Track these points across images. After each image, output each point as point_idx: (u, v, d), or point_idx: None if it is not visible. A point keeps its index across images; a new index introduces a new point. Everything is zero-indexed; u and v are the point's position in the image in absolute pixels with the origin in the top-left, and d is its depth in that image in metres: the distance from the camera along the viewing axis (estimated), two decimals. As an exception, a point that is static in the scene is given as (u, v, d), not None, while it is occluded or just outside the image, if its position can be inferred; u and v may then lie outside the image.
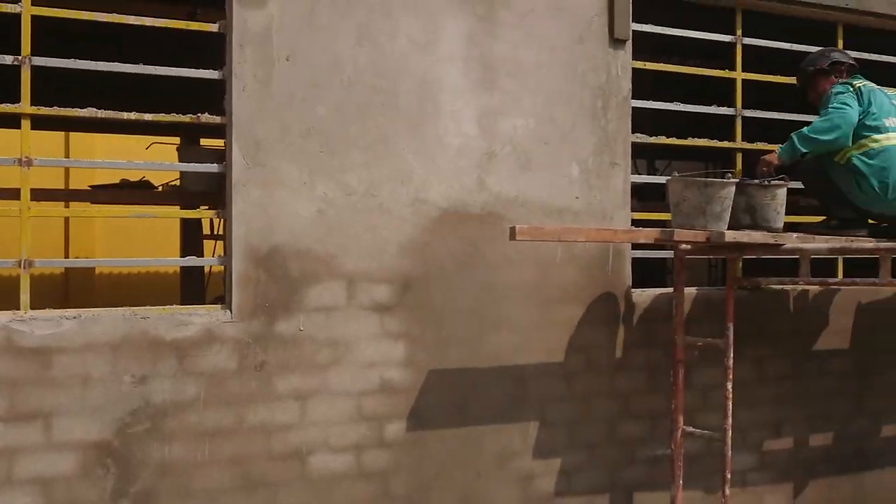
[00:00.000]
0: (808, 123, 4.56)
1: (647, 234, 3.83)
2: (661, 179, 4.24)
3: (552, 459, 4.31)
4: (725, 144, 4.95)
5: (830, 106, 4.26)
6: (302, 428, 3.77)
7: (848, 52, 4.84)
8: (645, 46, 4.86)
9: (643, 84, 4.73)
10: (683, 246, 4.16)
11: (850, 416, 5.10)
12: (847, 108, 4.18)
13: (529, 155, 4.26)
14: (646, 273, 5.48)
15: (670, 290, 4.44)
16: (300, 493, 3.76)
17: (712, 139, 5.02)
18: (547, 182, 4.29)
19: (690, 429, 4.31)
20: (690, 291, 4.69)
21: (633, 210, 4.74)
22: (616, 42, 4.44)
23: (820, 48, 4.83)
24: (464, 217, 4.12)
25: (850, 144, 4.27)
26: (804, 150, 4.26)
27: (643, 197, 6.40)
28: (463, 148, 4.12)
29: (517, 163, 4.23)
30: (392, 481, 3.95)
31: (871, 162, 4.22)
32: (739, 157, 5.03)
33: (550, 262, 4.30)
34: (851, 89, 4.35)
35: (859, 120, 4.26)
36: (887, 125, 4.26)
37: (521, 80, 4.25)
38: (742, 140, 4.94)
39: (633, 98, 4.59)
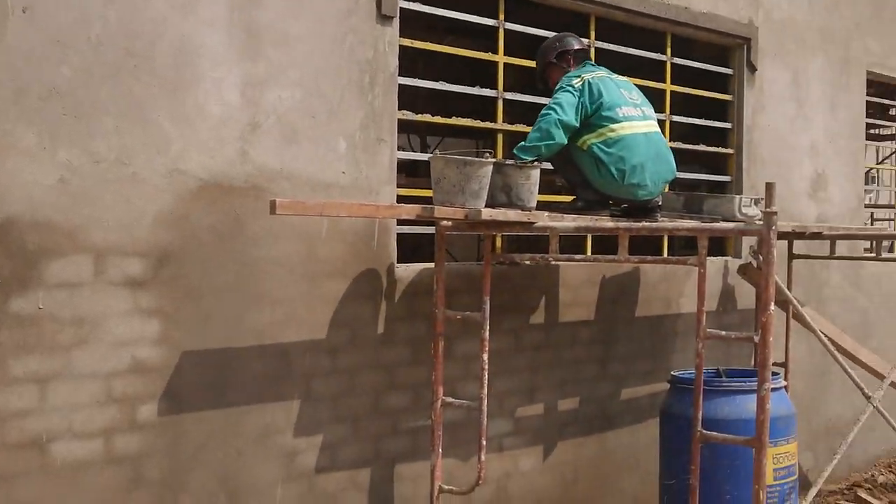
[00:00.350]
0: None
1: (409, 210, 3.90)
2: (427, 156, 4.32)
3: (316, 435, 4.31)
4: (487, 125, 5.14)
5: (544, 109, 4.50)
6: (42, 414, 3.48)
7: (582, 39, 5.11)
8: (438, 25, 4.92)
9: (434, 63, 4.82)
10: (444, 222, 4.28)
11: (595, 381, 5.52)
12: (554, 111, 4.41)
13: (295, 127, 4.18)
14: (422, 246, 5.56)
15: (433, 265, 4.55)
16: (40, 484, 3.48)
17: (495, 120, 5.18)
18: (313, 156, 4.24)
19: (450, 399, 4.46)
20: (452, 266, 4.85)
21: (402, 186, 4.82)
22: (384, 18, 4.45)
23: (554, 34, 5.08)
24: (226, 189, 3.97)
25: (573, 138, 4.52)
26: (532, 159, 4.46)
27: (416, 173, 6.53)
28: (225, 117, 3.96)
29: (282, 135, 4.14)
30: (145, 465, 3.76)
31: (609, 150, 4.53)
32: (501, 137, 5.24)
33: (316, 236, 4.26)
34: (577, 82, 4.56)
35: (594, 111, 4.52)
36: (622, 115, 4.57)
37: (287, 51, 4.15)
38: (504, 122, 5.17)
39: (405, 76, 4.65)
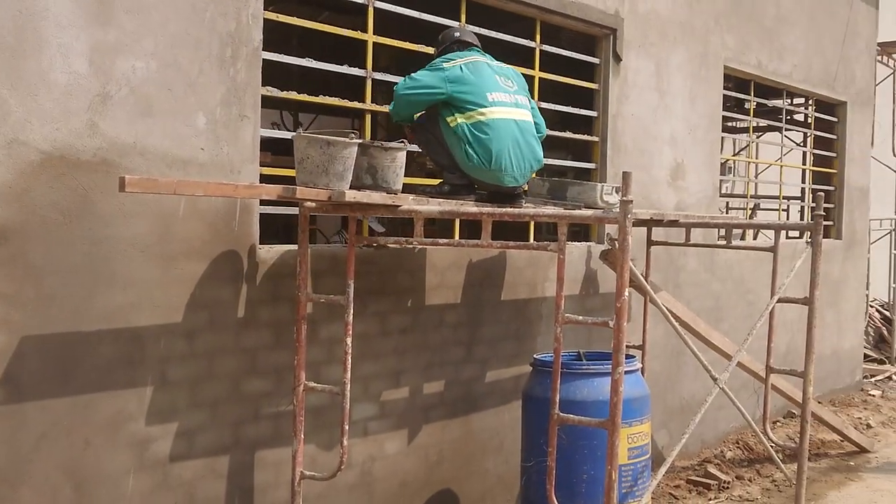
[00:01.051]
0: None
1: (270, 191, 3.78)
2: (290, 135, 4.20)
3: (171, 422, 4.14)
4: (354, 104, 5.05)
5: (406, 77, 4.68)
6: None
7: (471, 30, 5.13)
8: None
9: (309, 40, 4.68)
10: (308, 203, 4.19)
11: (461, 364, 5.56)
12: (411, 90, 4.62)
13: (150, 100, 3.97)
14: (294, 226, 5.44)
15: (297, 246, 4.45)
16: None
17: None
18: (170, 130, 4.05)
19: (312, 383, 4.39)
20: (318, 248, 4.76)
21: (266, 165, 4.68)
22: (247, -11, 4.29)
23: (447, 28, 5.08)
24: (72, 163, 3.73)
25: (444, 114, 4.63)
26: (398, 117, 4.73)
27: (288, 151, 6.35)
28: (72, 87, 3.71)
29: (136, 107, 3.92)
30: (-21, 457, 3.51)
31: (477, 133, 4.55)
32: (369, 117, 5.17)
33: (173, 215, 4.08)
34: (448, 64, 4.64)
35: (464, 90, 4.56)
36: (491, 99, 4.61)
37: (142, 18, 3.93)
38: (378, 102, 5.10)
39: (274, 51, 4.50)
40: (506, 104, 4.70)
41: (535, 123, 4.96)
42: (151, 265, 4.01)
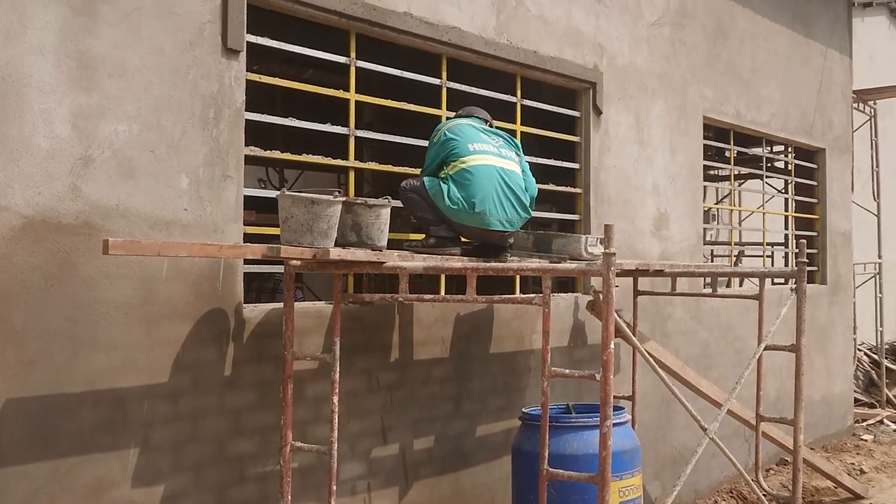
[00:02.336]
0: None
1: (254, 250, 3.78)
2: (273, 194, 4.21)
3: (155, 486, 4.07)
4: (338, 162, 5.09)
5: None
6: None
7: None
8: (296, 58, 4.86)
9: (292, 97, 4.74)
10: (293, 262, 4.18)
11: (450, 419, 5.50)
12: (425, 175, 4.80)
13: (133, 162, 3.99)
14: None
15: (282, 305, 4.43)
16: None
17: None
18: (153, 192, 4.06)
19: (299, 444, 4.33)
20: (303, 306, 4.74)
21: (250, 223, 4.68)
22: (230, 52, 4.34)
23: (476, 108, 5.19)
24: (54, 227, 3.73)
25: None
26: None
27: (272, 208, 6.37)
28: (54, 151, 3.73)
29: (119, 170, 3.93)
30: (-44, 529, 3.43)
31: (459, 179, 4.63)
32: (352, 174, 5.20)
33: (156, 277, 4.06)
34: (436, 136, 4.81)
35: (449, 150, 4.70)
36: (472, 149, 4.70)
37: (125, 82, 3.97)
38: (355, 159, 5.13)
39: (257, 110, 4.54)
40: (489, 153, 4.76)
41: (525, 181, 5.01)
42: (134, 327, 3.98)
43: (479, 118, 5.02)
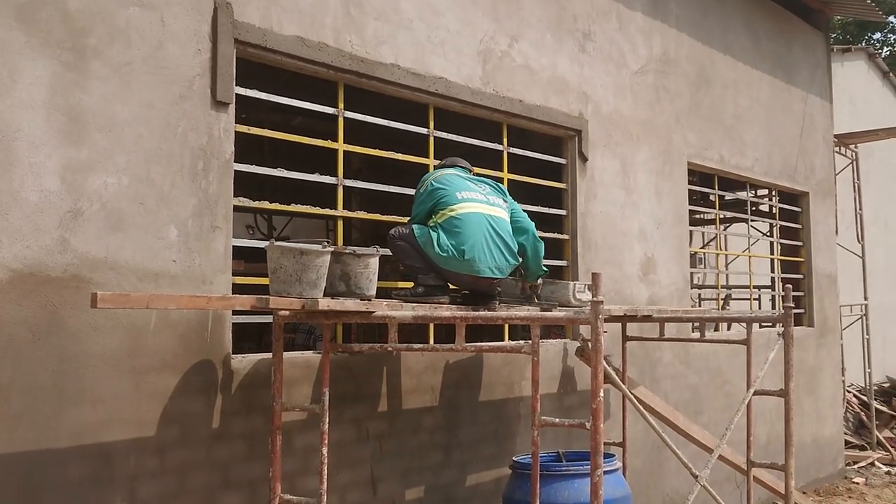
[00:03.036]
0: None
1: (243, 302, 3.78)
2: (262, 244, 4.22)
3: (142, 541, 4.01)
4: (326, 212, 5.11)
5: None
6: None
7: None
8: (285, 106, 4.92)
9: (280, 145, 4.81)
10: (282, 312, 4.18)
11: (440, 468, 5.46)
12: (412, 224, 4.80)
13: (122, 214, 4.00)
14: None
15: (271, 355, 4.41)
16: None
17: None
18: (142, 244, 4.06)
19: (288, 496, 4.28)
20: (292, 356, 4.72)
21: (239, 273, 4.68)
22: (219, 104, 4.38)
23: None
24: (42, 280, 3.72)
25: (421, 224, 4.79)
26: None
27: (261, 257, 6.37)
28: (43, 204, 3.74)
29: (108, 222, 3.94)
30: (-62, 590, 3.36)
31: (448, 227, 4.64)
32: (340, 224, 5.23)
33: (144, 329, 4.05)
34: (422, 187, 4.84)
35: (437, 199, 4.72)
36: (461, 197, 4.73)
37: (115, 136, 4.00)
38: (344, 207, 5.16)
39: (246, 160, 4.58)
40: (478, 201, 4.79)
41: (521, 226, 5.06)
42: (122, 380, 3.96)
43: (461, 167, 5.07)
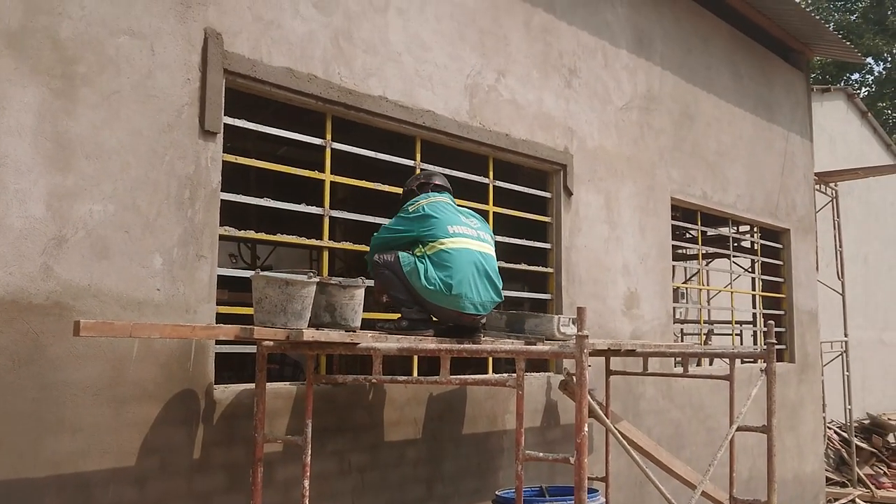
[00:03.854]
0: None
1: (227, 332, 3.76)
2: (248, 274, 4.21)
3: (117, 576, 3.94)
4: (312, 242, 5.11)
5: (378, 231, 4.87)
6: None
7: (444, 175, 5.27)
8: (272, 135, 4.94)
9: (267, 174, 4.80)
10: (266, 342, 4.16)
11: (422, 502, 5.41)
12: (384, 236, 4.80)
13: (107, 242, 3.98)
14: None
15: (254, 385, 4.38)
16: None
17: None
18: (126, 272, 4.04)
19: (267, 529, 4.23)
20: (275, 386, 4.69)
21: (224, 302, 4.66)
22: (206, 133, 4.39)
23: (426, 171, 5.23)
24: (24, 307, 3.69)
25: (407, 250, 4.74)
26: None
27: (245, 286, 6.34)
28: (27, 231, 3.72)
29: (92, 250, 3.92)
30: None
31: (437, 261, 4.60)
32: (326, 254, 5.23)
33: (126, 357, 4.02)
34: (413, 207, 4.78)
35: (427, 228, 4.67)
36: (452, 231, 4.70)
37: (102, 163, 4.00)
38: (329, 237, 5.17)
39: (232, 190, 4.58)
40: (468, 236, 4.78)
41: None
42: (102, 409, 3.91)
43: (440, 186, 5.03)
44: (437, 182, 5.08)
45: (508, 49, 6.40)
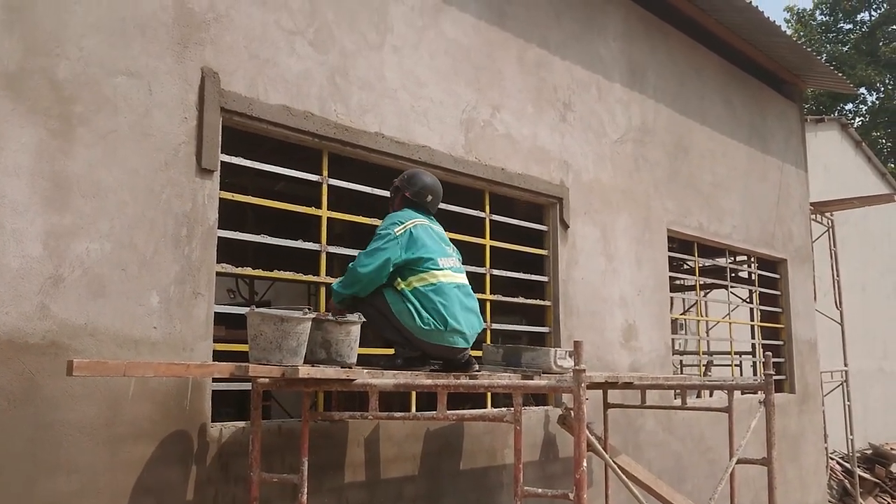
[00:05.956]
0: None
1: (222, 369, 3.75)
2: (244, 310, 4.21)
3: None
4: (309, 278, 5.12)
5: (361, 254, 4.56)
6: None
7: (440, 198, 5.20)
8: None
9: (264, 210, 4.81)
10: (262, 380, 4.14)
11: (421, 540, 5.36)
12: (370, 262, 4.48)
13: (103, 281, 3.98)
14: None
15: (249, 423, 4.35)
16: None
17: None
18: (122, 310, 4.04)
19: (263, 570, 4.18)
20: (272, 424, 4.67)
21: (221, 339, 4.65)
22: (203, 171, 4.42)
23: (431, 179, 5.03)
24: (20, 347, 3.68)
25: (393, 280, 4.56)
26: (343, 297, 4.56)
27: (242, 323, 6.32)
28: (24, 270, 3.72)
29: (89, 289, 3.93)
30: None
31: (430, 296, 4.55)
32: (323, 290, 5.22)
33: (122, 396, 4.00)
34: (399, 229, 4.60)
35: (416, 257, 4.56)
36: (442, 264, 4.65)
37: (99, 202, 4.01)
38: (326, 272, 5.17)
39: (229, 227, 4.59)
40: (453, 269, 4.77)
41: None
42: (98, 449, 3.89)
43: (420, 205, 4.88)
44: (429, 200, 4.91)
45: (503, 84, 6.46)
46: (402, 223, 4.69)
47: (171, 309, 4.22)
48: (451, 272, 4.72)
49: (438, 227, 4.95)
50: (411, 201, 4.89)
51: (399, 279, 4.60)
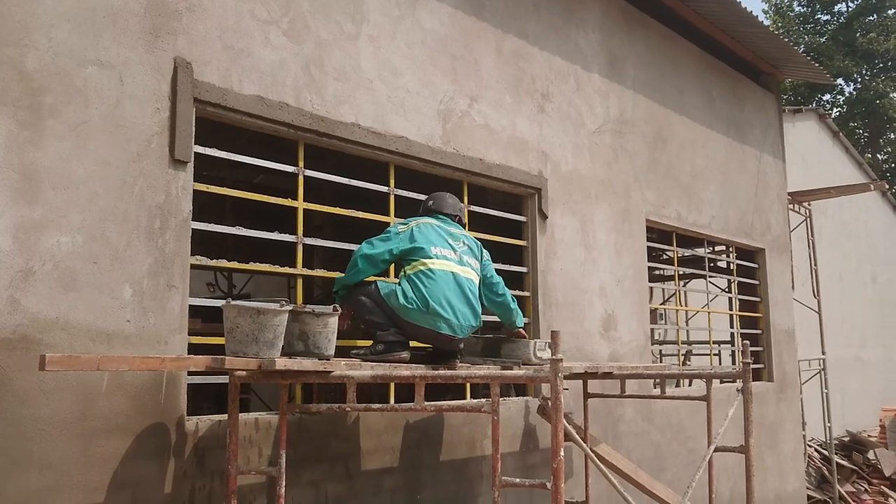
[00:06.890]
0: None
1: (198, 362, 3.71)
2: (219, 303, 4.17)
3: None
4: (286, 270, 5.08)
5: (364, 242, 4.81)
6: None
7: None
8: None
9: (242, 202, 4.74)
10: (238, 372, 4.11)
11: (401, 531, 5.35)
12: (369, 251, 4.70)
13: (75, 274, 3.93)
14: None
15: (226, 416, 4.32)
16: None
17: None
18: (95, 304, 3.99)
19: (241, 563, 4.15)
20: (250, 416, 4.63)
21: (196, 332, 4.60)
22: (177, 163, 4.36)
23: (444, 194, 5.19)
24: (-10, 342, 3.63)
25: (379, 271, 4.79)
26: (341, 286, 4.78)
27: (219, 316, 6.27)
28: (-7, 264, 3.67)
29: (60, 282, 3.87)
30: None
31: (417, 280, 4.64)
32: (300, 282, 5.19)
33: (96, 391, 3.95)
34: (402, 228, 4.83)
35: (410, 249, 4.72)
36: (434, 252, 4.74)
37: (70, 194, 3.95)
38: (304, 265, 5.13)
39: (206, 219, 4.54)
40: (450, 259, 4.80)
41: (493, 283, 5.10)
42: (71, 444, 3.84)
43: (446, 215, 5.07)
44: (430, 205, 5.14)
45: (480, 74, 6.44)
46: (407, 223, 4.92)
47: (145, 302, 4.18)
48: (445, 261, 4.76)
49: (453, 228, 5.08)
50: (425, 209, 5.14)
51: (400, 269, 4.81)
